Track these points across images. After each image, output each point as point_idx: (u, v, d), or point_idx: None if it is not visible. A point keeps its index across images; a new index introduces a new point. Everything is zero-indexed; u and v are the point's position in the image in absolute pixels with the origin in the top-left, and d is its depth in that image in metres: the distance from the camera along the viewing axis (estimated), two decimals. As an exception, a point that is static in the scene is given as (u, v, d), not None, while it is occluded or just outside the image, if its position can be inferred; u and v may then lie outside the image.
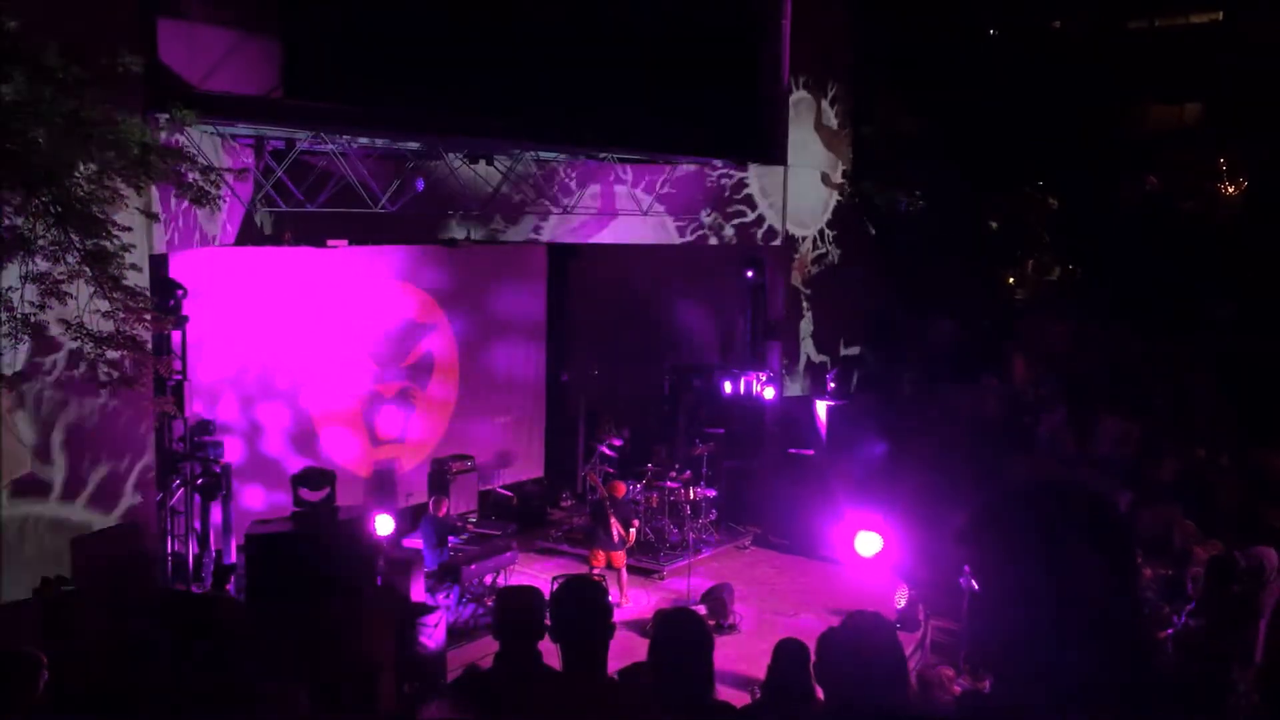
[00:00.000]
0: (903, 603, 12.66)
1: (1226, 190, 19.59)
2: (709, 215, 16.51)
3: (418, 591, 11.35)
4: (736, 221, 16.77)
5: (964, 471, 15.47)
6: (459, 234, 14.66)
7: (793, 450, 16.06)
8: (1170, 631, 9.13)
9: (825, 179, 17.63)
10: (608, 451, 16.31)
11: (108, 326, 8.46)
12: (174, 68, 10.55)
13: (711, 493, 15.61)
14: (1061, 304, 18.70)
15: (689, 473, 15.48)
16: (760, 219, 17.06)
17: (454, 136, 13.12)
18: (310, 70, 12.87)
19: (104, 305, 8.47)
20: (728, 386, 17.29)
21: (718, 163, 16.33)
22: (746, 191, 16.91)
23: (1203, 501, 13.27)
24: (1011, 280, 19.98)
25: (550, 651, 3.67)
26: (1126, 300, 17.16)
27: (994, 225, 19.35)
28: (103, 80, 8.07)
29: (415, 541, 12.99)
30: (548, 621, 3.69)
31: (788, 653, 4.99)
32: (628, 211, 15.80)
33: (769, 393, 17.12)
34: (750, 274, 17.77)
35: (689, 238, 16.52)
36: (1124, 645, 1.66)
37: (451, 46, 13.68)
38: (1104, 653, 1.64)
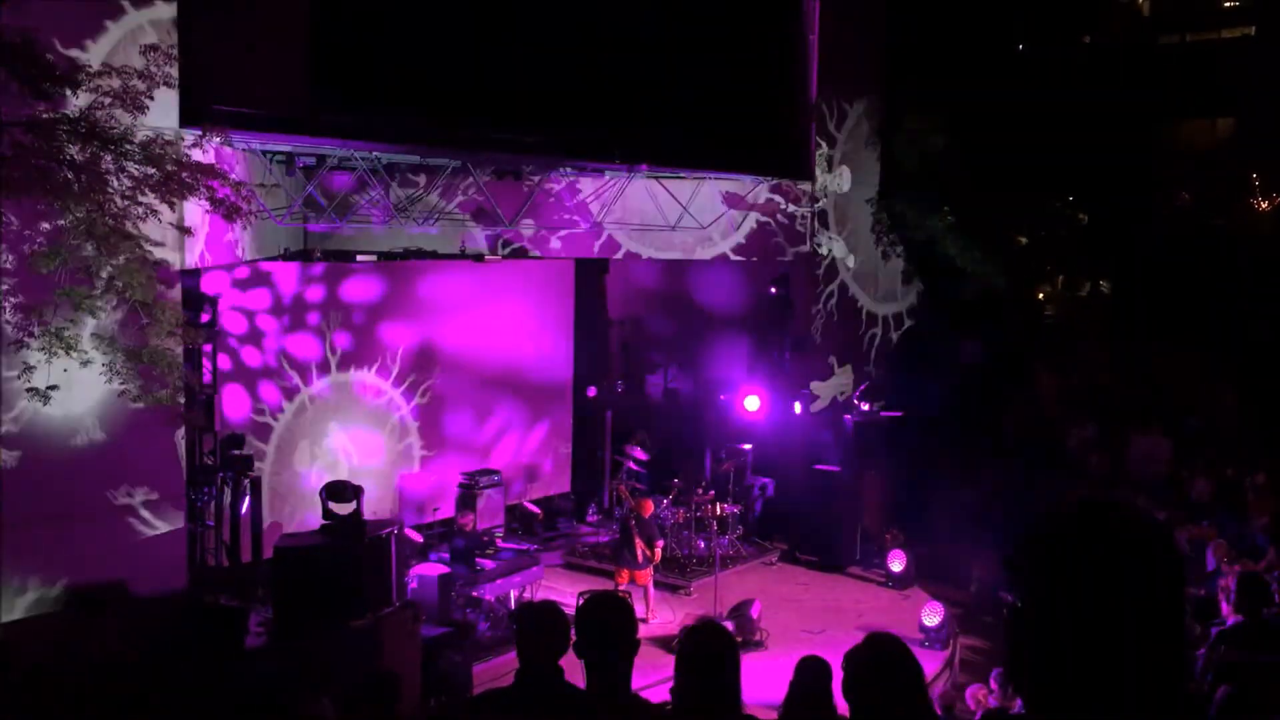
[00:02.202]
0: (931, 620, 12.56)
1: (1259, 206, 19.39)
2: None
3: (444, 606, 11.37)
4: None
5: (994, 489, 15.37)
6: (487, 249, 14.71)
7: (819, 466, 15.98)
8: (1202, 650, 9.01)
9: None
10: (634, 466, 16.28)
11: (139, 341, 8.54)
12: (206, 83, 10.66)
13: (738, 508, 15.55)
14: (1092, 320, 18.56)
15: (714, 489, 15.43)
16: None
17: (482, 152, 13.19)
18: (340, 87, 12.97)
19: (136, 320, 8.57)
20: (754, 402, 17.24)
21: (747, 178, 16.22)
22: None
23: (1236, 520, 13.10)
24: (1041, 296, 19.85)
25: (571, 667, 3.66)
26: (1158, 316, 17.01)
27: (1023, 241, 19.23)
28: (137, 96, 8.18)
29: (442, 555, 13.00)
30: (571, 637, 3.67)
31: (810, 669, 4.96)
32: (658, 227, 15.82)
33: (795, 407, 17.05)
34: (774, 290, 17.71)
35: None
36: (1167, 676, 1.63)
37: (479, 62, 13.76)
38: (1146, 681, 1.62)
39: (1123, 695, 1.61)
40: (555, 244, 15.59)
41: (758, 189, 16.59)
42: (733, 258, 16.76)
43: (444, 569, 11.96)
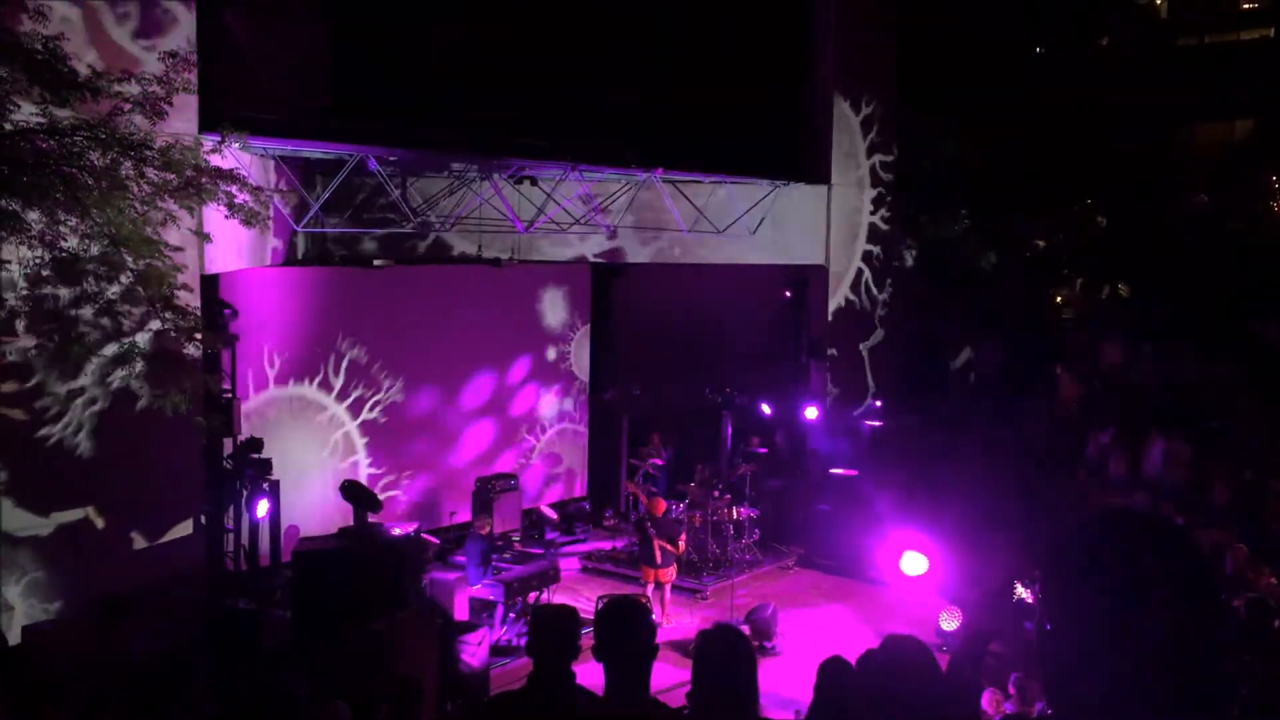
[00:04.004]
0: (949, 625, 12.50)
1: (1278, 209, 19.28)
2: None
3: (461, 610, 11.39)
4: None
5: (1011, 493, 15.30)
6: (503, 253, 14.70)
7: (836, 470, 15.94)
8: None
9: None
10: (651, 471, 16.28)
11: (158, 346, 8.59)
12: (225, 89, 10.71)
13: (754, 512, 15.53)
14: (1110, 323, 18.48)
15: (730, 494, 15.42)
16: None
17: (500, 157, 13.21)
18: (358, 92, 13.02)
19: (155, 325, 8.62)
20: (766, 408, 17.22)
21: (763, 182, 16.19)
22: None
23: (1256, 526, 13.00)
24: (1059, 299, 19.77)
25: (582, 672, 3.67)
26: (1176, 319, 16.92)
27: (1041, 244, 19.17)
28: (156, 102, 8.23)
29: (460, 560, 13.03)
30: (584, 641, 3.68)
31: (832, 672, 4.95)
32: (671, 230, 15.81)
33: (811, 412, 17.02)
34: (788, 294, 17.69)
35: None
36: (1198, 682, 1.60)
37: (495, 67, 13.80)
38: (1176, 690, 1.59)
39: (1163, 708, 1.56)
40: (571, 248, 15.57)
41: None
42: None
43: (460, 573, 11.98)
